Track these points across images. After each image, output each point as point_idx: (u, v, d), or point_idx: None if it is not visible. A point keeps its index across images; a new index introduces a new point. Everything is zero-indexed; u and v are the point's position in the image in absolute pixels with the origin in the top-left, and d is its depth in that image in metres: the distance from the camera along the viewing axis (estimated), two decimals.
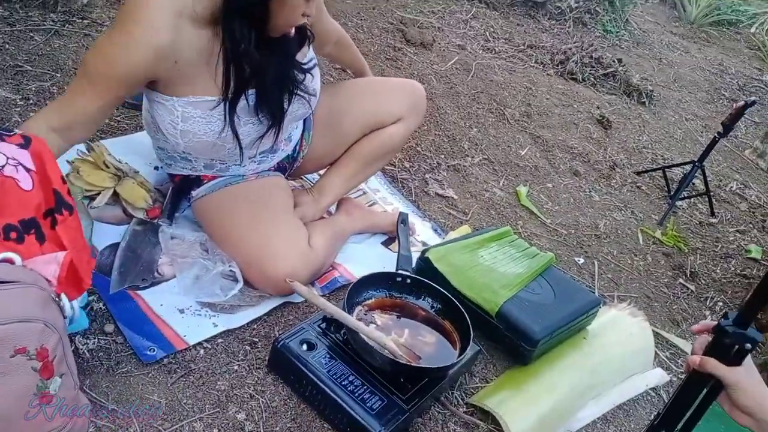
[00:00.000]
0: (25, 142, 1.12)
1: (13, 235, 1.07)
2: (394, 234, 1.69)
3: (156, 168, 1.75)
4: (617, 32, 4.62)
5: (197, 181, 1.54)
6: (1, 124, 1.34)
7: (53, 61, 2.05)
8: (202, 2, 1.23)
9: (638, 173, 2.81)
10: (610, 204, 2.55)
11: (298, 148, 1.68)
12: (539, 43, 3.87)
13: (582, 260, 2.15)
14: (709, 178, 2.77)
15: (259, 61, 1.30)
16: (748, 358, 0.94)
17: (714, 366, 0.92)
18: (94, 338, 1.28)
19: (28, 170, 1.10)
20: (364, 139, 1.71)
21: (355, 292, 1.39)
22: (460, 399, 1.46)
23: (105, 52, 1.24)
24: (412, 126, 1.79)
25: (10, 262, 1.03)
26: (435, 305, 1.46)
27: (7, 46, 2.06)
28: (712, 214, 2.70)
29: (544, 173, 2.58)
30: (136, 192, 1.56)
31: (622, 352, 1.77)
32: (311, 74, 1.45)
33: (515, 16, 4.29)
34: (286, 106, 1.40)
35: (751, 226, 2.75)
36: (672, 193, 2.67)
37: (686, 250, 2.42)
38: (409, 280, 1.47)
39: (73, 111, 1.24)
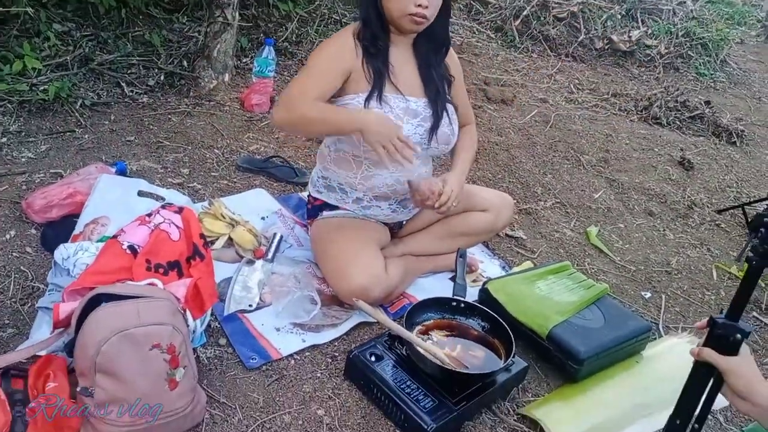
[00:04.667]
0: (179, 210, 1.63)
1: (161, 270, 1.53)
2: None
3: (262, 218, 2.15)
4: (712, 74, 4.63)
5: (333, 208, 1.93)
6: (148, 184, 1.81)
7: (186, 137, 2.56)
8: None
9: (718, 212, 2.86)
10: (684, 242, 2.63)
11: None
12: (624, 91, 4.00)
13: (649, 294, 2.27)
14: None
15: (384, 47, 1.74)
16: (745, 348, 1.06)
17: (709, 354, 1.06)
18: (211, 349, 1.64)
19: (177, 227, 1.58)
20: (453, 215, 2.01)
21: (414, 313, 1.67)
22: (511, 410, 1.67)
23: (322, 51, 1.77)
24: (497, 222, 2.07)
25: (154, 285, 1.44)
26: (484, 325, 1.70)
27: (151, 126, 2.61)
28: None
29: (617, 214, 2.72)
30: (245, 237, 1.96)
31: (678, 375, 1.86)
32: (452, 105, 1.87)
33: (603, 66, 4.44)
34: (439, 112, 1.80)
35: None
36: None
37: (763, 285, 2.44)
38: (462, 305, 1.72)
39: (319, 89, 1.72)
